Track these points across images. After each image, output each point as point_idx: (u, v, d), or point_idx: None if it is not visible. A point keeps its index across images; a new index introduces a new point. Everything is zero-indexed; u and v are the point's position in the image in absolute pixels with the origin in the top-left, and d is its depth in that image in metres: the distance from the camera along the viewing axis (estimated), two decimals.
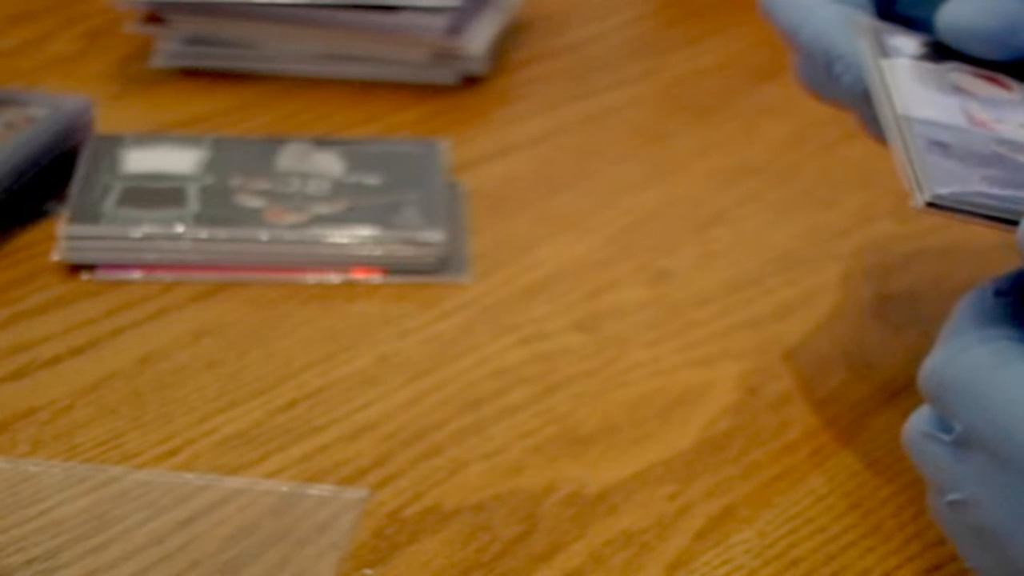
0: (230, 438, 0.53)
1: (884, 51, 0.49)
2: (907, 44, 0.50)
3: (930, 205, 0.43)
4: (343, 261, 0.62)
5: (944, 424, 0.42)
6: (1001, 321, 0.43)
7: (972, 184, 0.43)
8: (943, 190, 0.43)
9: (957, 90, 0.48)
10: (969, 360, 0.41)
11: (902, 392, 0.56)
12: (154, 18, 0.78)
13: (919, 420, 0.43)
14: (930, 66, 0.49)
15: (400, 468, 0.52)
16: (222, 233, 0.62)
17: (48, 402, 0.54)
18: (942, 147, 0.45)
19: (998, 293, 0.44)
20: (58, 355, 0.57)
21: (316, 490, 0.50)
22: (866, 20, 0.50)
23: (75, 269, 0.62)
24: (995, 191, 0.43)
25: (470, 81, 0.79)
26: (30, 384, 0.55)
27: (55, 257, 0.62)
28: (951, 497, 0.42)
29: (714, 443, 0.54)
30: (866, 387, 0.57)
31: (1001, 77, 0.49)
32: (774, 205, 0.69)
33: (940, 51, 0.50)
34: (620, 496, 0.51)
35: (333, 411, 0.55)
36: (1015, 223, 0.42)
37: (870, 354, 0.58)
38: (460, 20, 0.78)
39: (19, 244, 0.64)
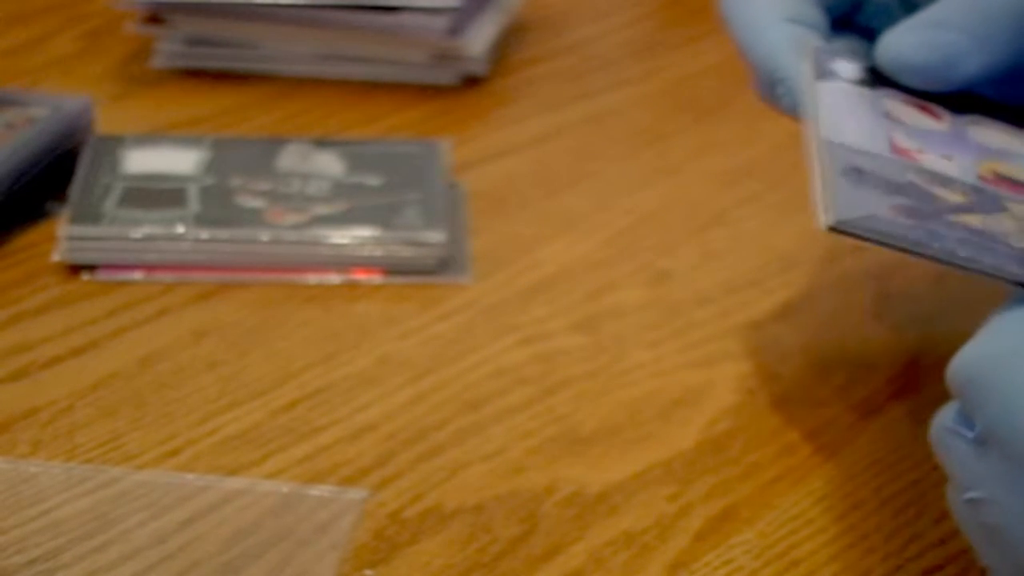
0: (231, 438, 0.53)
1: (823, 74, 0.49)
2: (848, 69, 0.50)
3: (833, 229, 0.43)
4: (343, 261, 0.62)
5: (968, 421, 0.42)
6: None
7: (880, 211, 0.44)
8: (847, 216, 0.43)
9: (886, 117, 0.49)
10: (996, 356, 0.41)
11: (902, 393, 0.56)
12: (154, 18, 0.78)
13: (945, 415, 0.43)
14: (864, 91, 0.50)
15: (400, 469, 0.52)
16: (223, 234, 0.62)
17: (48, 403, 0.54)
18: (857, 173, 0.45)
19: None
20: (58, 355, 0.57)
21: (316, 491, 0.50)
22: (813, 43, 0.51)
23: (75, 269, 0.62)
24: (901, 220, 0.44)
25: (470, 82, 0.79)
26: (30, 385, 0.55)
27: (55, 257, 0.62)
28: (969, 495, 0.42)
29: (714, 443, 0.54)
30: (866, 388, 0.57)
31: (933, 106, 0.50)
32: (774, 206, 0.69)
33: (879, 77, 0.50)
34: (620, 497, 0.51)
35: (334, 411, 0.55)
36: (918, 254, 0.43)
37: (870, 355, 0.58)
38: (460, 21, 0.78)
39: (19, 244, 0.64)
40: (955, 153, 0.48)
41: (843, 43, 0.53)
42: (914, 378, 0.57)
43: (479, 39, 0.79)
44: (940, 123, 0.49)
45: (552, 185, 0.70)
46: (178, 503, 0.49)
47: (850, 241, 0.44)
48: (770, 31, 0.51)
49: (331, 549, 0.48)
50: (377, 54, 0.78)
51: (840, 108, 0.48)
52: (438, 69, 0.78)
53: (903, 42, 0.50)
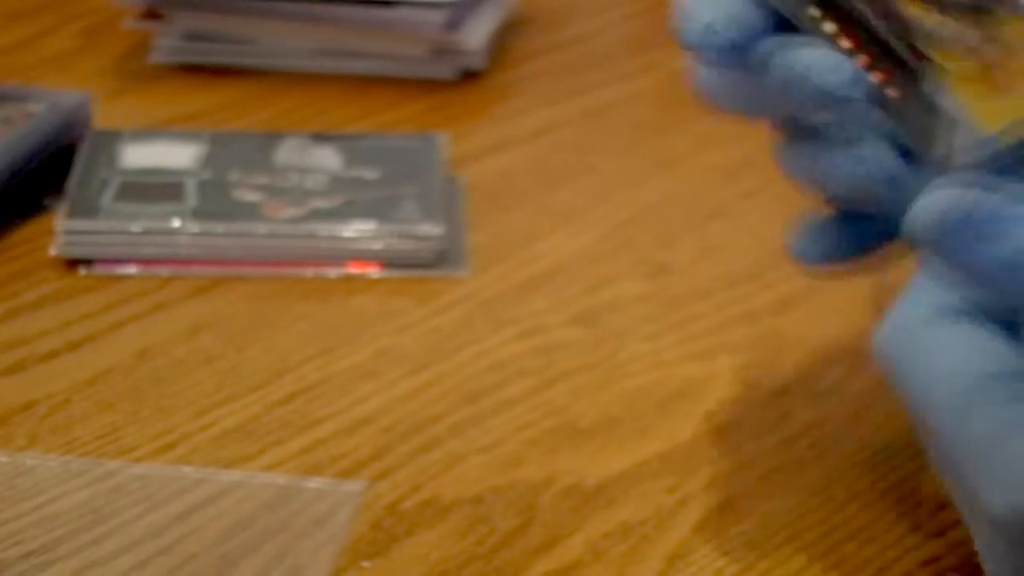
0: (228, 432, 0.53)
1: None
2: None
3: None
4: (341, 255, 0.62)
5: None
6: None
7: None
8: None
9: None
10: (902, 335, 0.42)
11: None
12: (152, 14, 0.78)
13: None
14: None
15: (398, 461, 0.52)
16: (220, 227, 0.62)
17: (45, 396, 0.54)
18: None
19: None
20: (55, 349, 0.57)
21: (314, 483, 0.50)
22: None
23: (73, 264, 0.62)
24: None
25: (469, 76, 0.79)
26: (27, 378, 0.55)
27: (53, 252, 0.62)
28: None
29: (713, 436, 0.53)
30: (864, 380, 0.56)
31: None
32: (773, 199, 0.69)
33: None
34: (619, 488, 0.51)
35: (331, 404, 0.54)
36: None
37: (869, 347, 0.58)
38: (459, 15, 0.78)
39: (17, 239, 0.64)
40: None
41: None
42: None
43: (477, 34, 0.79)
44: None
45: (550, 179, 0.70)
46: (175, 496, 0.49)
47: None
48: None
49: (329, 541, 0.48)
50: (375, 49, 0.78)
51: None
52: (436, 64, 0.78)
53: None
